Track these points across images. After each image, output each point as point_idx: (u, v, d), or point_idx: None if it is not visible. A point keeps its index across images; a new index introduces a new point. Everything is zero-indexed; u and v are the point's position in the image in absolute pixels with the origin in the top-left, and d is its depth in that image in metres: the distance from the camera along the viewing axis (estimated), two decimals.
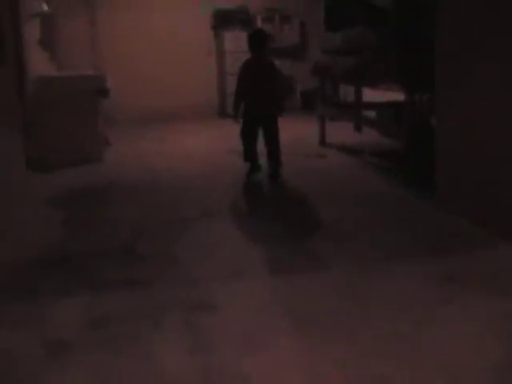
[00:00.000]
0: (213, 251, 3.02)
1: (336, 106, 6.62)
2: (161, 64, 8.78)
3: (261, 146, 4.70)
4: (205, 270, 2.76)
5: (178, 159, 5.60)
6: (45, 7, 5.72)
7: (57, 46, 7.44)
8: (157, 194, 4.28)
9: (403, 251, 2.93)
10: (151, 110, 8.67)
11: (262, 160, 4.76)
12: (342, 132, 6.57)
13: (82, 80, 5.61)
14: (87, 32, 8.34)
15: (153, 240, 3.25)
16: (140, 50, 8.63)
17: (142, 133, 7.48)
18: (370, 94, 6.46)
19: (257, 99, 4.53)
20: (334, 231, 3.28)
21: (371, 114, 6.32)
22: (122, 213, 3.82)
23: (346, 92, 8.40)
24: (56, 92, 5.34)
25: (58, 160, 5.28)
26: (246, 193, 4.31)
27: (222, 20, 8.75)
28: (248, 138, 4.63)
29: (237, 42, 8.57)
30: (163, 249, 3.09)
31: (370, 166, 5.07)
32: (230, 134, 7.07)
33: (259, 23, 8.88)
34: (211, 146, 6.38)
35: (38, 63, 5.67)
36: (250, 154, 4.69)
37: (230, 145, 6.12)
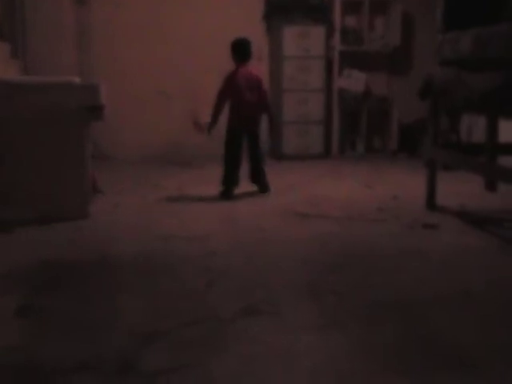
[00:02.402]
0: (255, 376, 2.85)
1: (455, 149, 6.42)
2: (184, 76, 8.92)
3: None
4: None
5: (207, 221, 5.59)
6: None
7: (23, 36, 7.55)
8: (175, 278, 4.19)
9: None
10: (167, 144, 8.82)
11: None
12: (463, 189, 6.59)
13: (63, 90, 5.55)
14: (72, 18, 8.46)
15: (165, 350, 3.12)
16: (154, 54, 8.81)
17: (150, 178, 7.61)
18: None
19: (247, 113, 6.37)
20: (460, 358, 3.04)
21: None
22: (117, 305, 3.71)
23: (472, 127, 8.44)
24: (19, 107, 5.34)
25: (19, 215, 5.32)
26: (311, 280, 4.14)
27: (281, 7, 8.81)
28: (233, 158, 6.36)
29: (302, 42, 8.54)
30: (180, 365, 2.94)
31: (511, 247, 4.83)
32: (287, 183, 7.09)
33: (337, 14, 8.86)
34: (257, 201, 6.38)
35: None
36: (232, 178, 6.38)
37: (286, 200, 6.23)
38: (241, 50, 6.41)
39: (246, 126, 6.40)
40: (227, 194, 6.33)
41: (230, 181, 6.37)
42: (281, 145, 8.70)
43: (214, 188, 6.83)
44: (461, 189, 6.56)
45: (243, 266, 4.45)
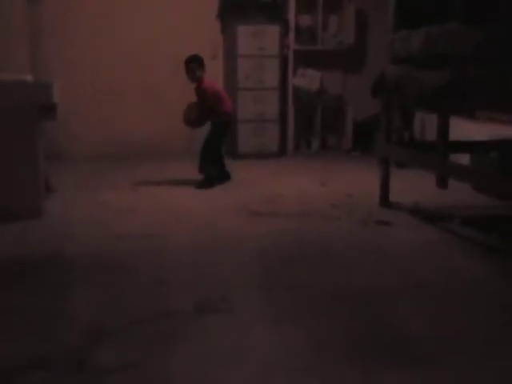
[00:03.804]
0: (209, 373, 2.85)
1: (408, 146, 6.48)
2: (139, 74, 8.84)
3: None
4: None
5: (162, 220, 5.55)
6: None
7: None
8: (127, 275, 4.17)
9: None
10: (122, 142, 8.75)
11: None
12: (416, 186, 6.60)
13: (14, 88, 5.49)
14: (24, 16, 8.32)
15: (119, 347, 3.12)
16: (107, 52, 8.70)
17: (105, 175, 7.54)
18: (462, 128, 6.33)
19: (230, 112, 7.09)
20: (412, 353, 3.06)
21: (464, 158, 6.16)
22: (71, 303, 3.70)
23: (425, 124, 8.48)
24: None
25: None
26: (265, 276, 4.15)
27: (235, 6, 8.76)
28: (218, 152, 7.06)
29: (256, 41, 8.52)
30: (133, 361, 2.94)
31: (461, 241, 4.88)
32: (241, 182, 7.08)
33: (291, 13, 8.89)
34: (213, 198, 6.36)
35: None
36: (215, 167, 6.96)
37: (241, 198, 6.22)
38: (201, 60, 6.85)
39: (230, 122, 7.18)
40: (212, 182, 6.80)
41: (214, 170, 6.89)
42: (237, 143, 8.69)
43: (170, 185, 6.91)
44: (413, 186, 6.57)
45: (198, 262, 4.46)
